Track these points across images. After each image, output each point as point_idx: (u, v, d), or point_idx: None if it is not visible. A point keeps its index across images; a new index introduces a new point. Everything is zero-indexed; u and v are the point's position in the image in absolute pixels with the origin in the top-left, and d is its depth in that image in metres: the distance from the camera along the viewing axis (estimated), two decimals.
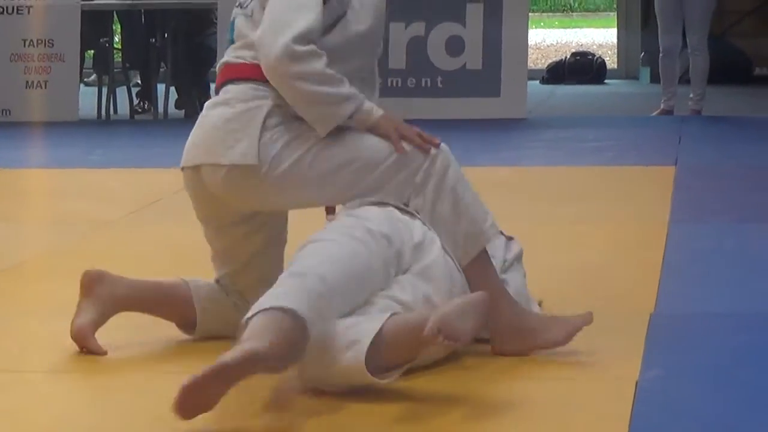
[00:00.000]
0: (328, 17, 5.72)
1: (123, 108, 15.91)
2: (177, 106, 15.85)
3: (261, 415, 5.49)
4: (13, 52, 15.09)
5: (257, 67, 5.86)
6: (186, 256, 8.34)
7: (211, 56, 15.51)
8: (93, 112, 15.52)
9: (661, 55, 15.10)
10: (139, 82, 16.34)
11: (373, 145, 5.89)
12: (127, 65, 16.47)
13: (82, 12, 15.29)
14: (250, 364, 4.86)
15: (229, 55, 6.13)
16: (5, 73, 15.05)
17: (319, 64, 5.65)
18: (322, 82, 5.69)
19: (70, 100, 15.18)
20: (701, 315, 6.81)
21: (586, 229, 8.38)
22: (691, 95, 14.55)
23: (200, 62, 15.86)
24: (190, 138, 6.10)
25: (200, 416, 5.00)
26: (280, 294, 5.18)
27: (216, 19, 15.25)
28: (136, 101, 16.11)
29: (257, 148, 5.79)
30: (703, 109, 14.46)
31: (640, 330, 6.24)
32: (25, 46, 15.12)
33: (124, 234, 9.19)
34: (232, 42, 6.14)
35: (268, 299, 5.15)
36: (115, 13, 16.02)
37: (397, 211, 5.80)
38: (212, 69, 15.50)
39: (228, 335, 5.73)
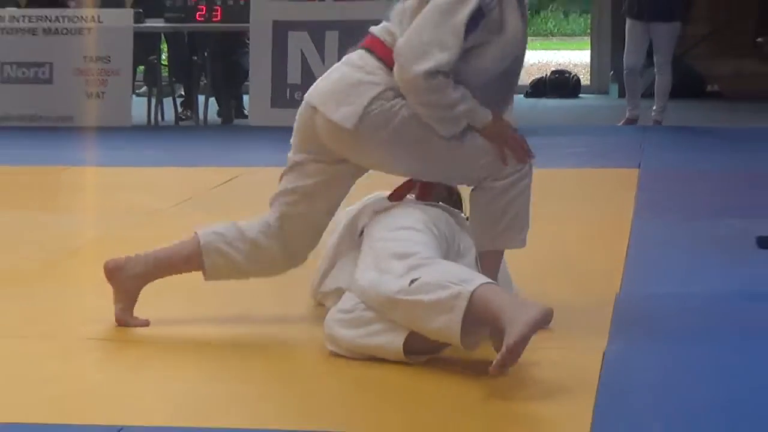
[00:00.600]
0: (471, 42, 5.69)
1: (169, 115, 15.94)
2: (218, 114, 15.85)
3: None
4: (76, 67, 15.10)
5: (391, 53, 5.83)
6: None
7: (244, 73, 15.54)
8: (143, 119, 15.55)
9: (625, 72, 15.16)
10: (183, 93, 16.34)
11: (476, 144, 5.85)
12: (173, 79, 16.48)
13: (135, 33, 15.31)
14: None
15: (380, 29, 6.05)
16: (69, 85, 15.10)
17: (440, 96, 5.67)
18: (439, 110, 5.72)
19: (124, 108, 15.23)
20: (660, 295, 6.85)
21: (561, 222, 8.38)
22: (654, 108, 14.60)
23: (234, 77, 15.88)
24: (321, 79, 6.14)
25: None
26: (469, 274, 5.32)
27: (248, 40, 15.25)
28: (180, 110, 16.16)
29: (359, 116, 5.79)
30: (664, 120, 14.48)
31: (608, 308, 6.27)
32: (85, 62, 15.14)
33: (170, 222, 9.20)
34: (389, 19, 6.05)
35: (476, 276, 5.28)
36: (162, 34, 15.99)
37: (455, 219, 5.97)
38: (245, 83, 15.55)
39: (235, 279, 6.23)
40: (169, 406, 5.10)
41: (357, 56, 6.02)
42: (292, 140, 6.16)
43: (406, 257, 5.35)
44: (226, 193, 10.54)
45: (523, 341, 4.89)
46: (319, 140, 6.01)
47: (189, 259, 6.22)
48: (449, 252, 5.68)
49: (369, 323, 5.43)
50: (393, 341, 5.33)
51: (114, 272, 6.17)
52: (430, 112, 5.72)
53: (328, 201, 6.15)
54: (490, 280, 5.26)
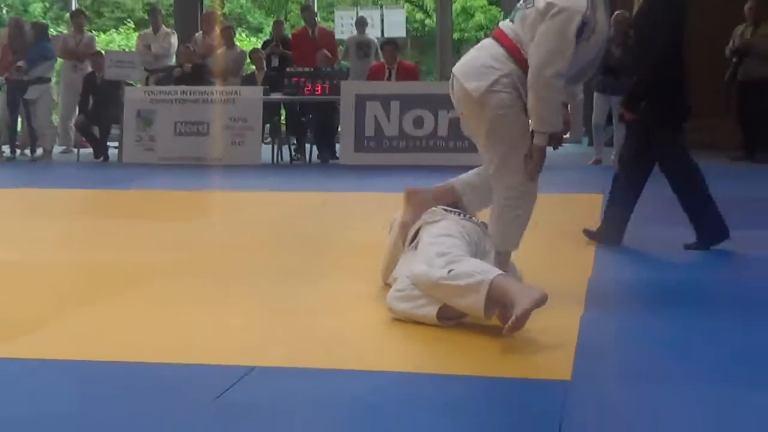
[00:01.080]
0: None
1: (286, 158, 15.92)
2: (318, 157, 15.85)
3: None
4: (224, 125, 15.15)
5: (514, 45, 5.88)
6: (318, 239, 8.40)
7: (336, 129, 15.55)
8: (269, 160, 15.56)
9: (593, 127, 15.14)
10: (295, 142, 16.34)
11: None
12: (288, 133, 16.47)
13: (263, 102, 15.35)
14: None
15: (506, 25, 6.04)
16: (220, 136, 15.11)
17: (556, 94, 5.81)
18: (550, 105, 5.83)
19: (256, 152, 15.26)
20: (627, 280, 6.83)
21: (544, 228, 8.32)
22: (613, 153, 14.50)
23: (330, 132, 15.87)
24: (465, 57, 6.15)
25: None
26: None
27: (339, 106, 15.23)
28: (293, 154, 16.15)
29: (483, 89, 5.85)
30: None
31: (582, 287, 6.28)
32: (231, 121, 15.19)
33: (285, 227, 9.22)
34: (512, 21, 6.02)
35: (493, 269, 5.41)
36: (281, 103, 16.01)
37: (481, 228, 6.04)
38: (337, 135, 15.55)
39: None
40: (290, 349, 5.12)
41: (488, 44, 6.06)
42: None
43: (444, 255, 5.47)
44: (324, 208, 10.57)
45: (526, 314, 5.00)
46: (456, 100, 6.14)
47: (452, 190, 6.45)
48: (477, 252, 5.78)
49: (416, 299, 5.57)
50: (430, 311, 5.45)
51: (410, 193, 6.45)
52: (542, 105, 5.79)
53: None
54: (503, 272, 5.38)
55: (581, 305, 5.89)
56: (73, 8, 21.87)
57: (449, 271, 5.31)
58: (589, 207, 10.00)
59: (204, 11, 20.05)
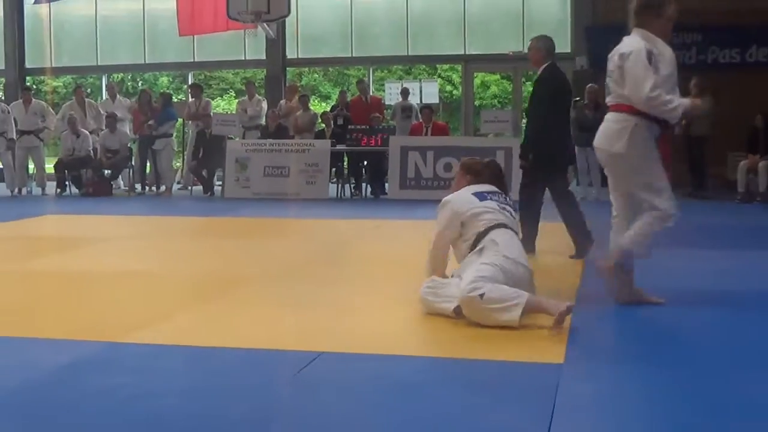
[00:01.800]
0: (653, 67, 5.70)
1: (347, 194, 15.91)
2: (371, 193, 15.83)
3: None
4: (300, 169, 15.14)
5: (626, 105, 5.79)
6: (373, 254, 8.37)
7: (386, 171, 15.50)
8: (334, 195, 15.56)
9: (578, 171, 15.08)
10: (354, 182, 16.32)
11: (656, 170, 5.89)
12: (350, 175, 16.45)
13: (331, 152, 15.35)
14: None
15: (611, 98, 5.99)
16: (297, 177, 15.10)
17: (662, 96, 5.65)
18: (665, 103, 5.66)
19: (324, 189, 15.17)
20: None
21: (542, 248, 8.26)
22: (595, 192, 14.46)
23: (381, 174, 15.83)
24: (600, 132, 5.99)
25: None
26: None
27: (388, 155, 15.22)
28: (352, 191, 16.13)
29: (625, 147, 5.75)
30: (600, 198, 14.31)
31: (573, 290, 6.22)
32: (305, 166, 15.15)
33: (346, 246, 9.20)
34: (607, 92, 6.04)
35: (521, 292, 5.25)
36: (344, 152, 15.99)
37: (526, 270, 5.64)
38: (386, 176, 15.52)
39: None
40: (349, 338, 5.12)
41: (611, 116, 5.93)
42: None
43: (483, 279, 5.27)
44: (376, 231, 10.55)
45: (563, 316, 5.09)
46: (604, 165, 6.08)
47: None
48: (509, 281, 5.38)
49: (440, 295, 5.55)
50: (448, 307, 5.43)
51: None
52: (661, 108, 5.68)
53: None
54: (529, 294, 5.29)
55: (573, 301, 5.85)
56: (190, 82, 22.08)
57: (481, 296, 5.16)
58: None
59: (287, 84, 20.13)
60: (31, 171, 17.34)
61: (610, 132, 5.88)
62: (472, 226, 5.77)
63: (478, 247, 5.64)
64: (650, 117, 5.77)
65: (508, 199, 6.05)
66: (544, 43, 8.40)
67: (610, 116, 5.95)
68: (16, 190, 16.45)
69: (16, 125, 16.46)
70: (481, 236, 5.68)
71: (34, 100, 17.02)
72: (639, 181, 5.87)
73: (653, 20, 5.95)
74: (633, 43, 5.85)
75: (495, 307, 5.15)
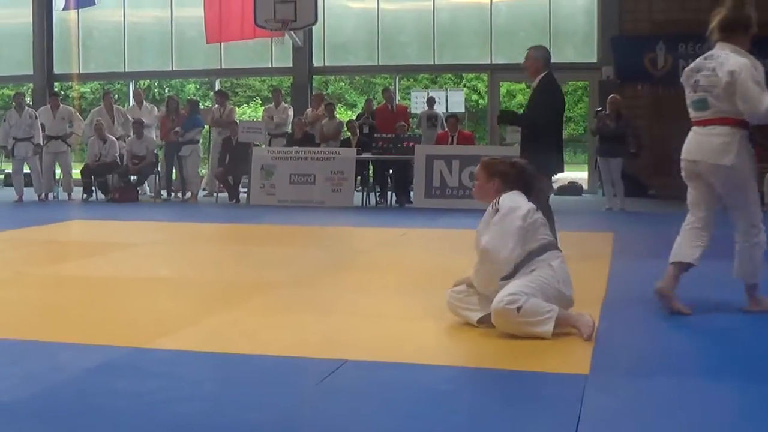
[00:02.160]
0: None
1: (372, 202, 15.90)
2: (396, 201, 15.81)
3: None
4: (326, 177, 15.17)
5: (732, 118, 5.76)
6: (397, 262, 8.36)
7: (411, 180, 15.51)
8: (359, 203, 15.57)
9: (603, 182, 15.01)
10: (379, 190, 16.31)
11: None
12: (375, 183, 16.44)
13: (356, 160, 15.38)
14: None
15: (709, 114, 5.88)
16: (323, 185, 15.20)
17: None
18: None
19: (349, 197, 15.19)
20: (637, 294, 6.69)
21: (571, 256, 8.22)
22: (619, 202, 14.39)
23: (406, 183, 15.81)
24: (698, 145, 5.91)
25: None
26: None
27: (413, 164, 15.21)
28: (377, 199, 16.11)
29: (735, 159, 5.73)
30: (625, 208, 14.27)
31: (599, 300, 6.19)
32: (331, 174, 15.19)
33: (371, 254, 9.20)
34: (700, 107, 5.93)
35: (553, 306, 5.21)
36: (369, 160, 16.00)
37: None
38: (411, 185, 15.50)
39: None
40: (375, 346, 5.11)
41: (713, 129, 5.85)
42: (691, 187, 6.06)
43: (524, 295, 5.17)
44: (402, 240, 10.54)
45: (590, 331, 5.14)
46: (702, 179, 5.93)
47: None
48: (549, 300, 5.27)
49: (467, 303, 5.54)
50: (474, 316, 5.46)
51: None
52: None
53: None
54: (559, 308, 5.22)
55: (598, 312, 5.83)
56: (216, 89, 22.17)
57: (518, 309, 5.08)
58: (602, 241, 9.93)
59: (313, 92, 20.18)
60: (57, 176, 17.45)
61: (716, 145, 5.83)
62: (527, 241, 5.37)
63: (529, 268, 5.34)
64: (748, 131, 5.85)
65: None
66: (542, 54, 8.50)
67: (710, 130, 5.88)
68: (43, 194, 16.57)
69: (43, 130, 16.58)
70: (533, 255, 5.37)
71: (62, 105, 17.13)
72: (741, 194, 5.89)
73: (741, 35, 5.94)
74: (737, 59, 5.79)
75: (530, 320, 5.10)
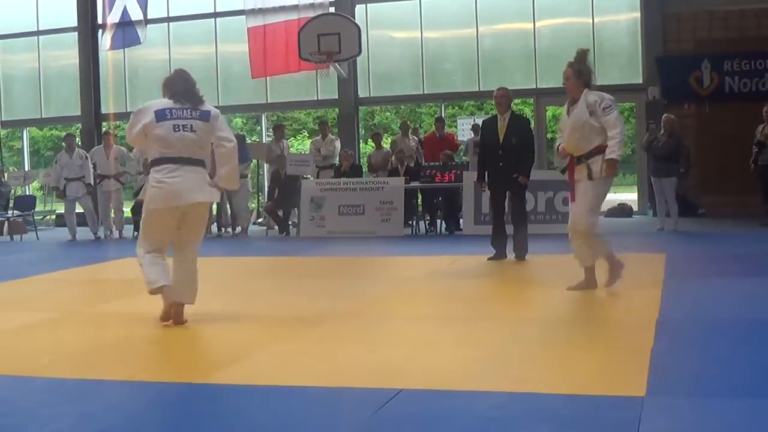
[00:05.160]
0: None
1: (422, 230, 15.89)
2: (445, 229, 15.79)
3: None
4: (376, 207, 15.22)
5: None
6: (448, 290, 8.34)
7: (460, 207, 15.50)
8: (409, 232, 15.58)
9: (656, 202, 14.85)
10: (428, 218, 16.32)
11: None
12: (424, 211, 16.45)
13: (405, 189, 15.41)
14: None
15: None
16: (372, 215, 15.27)
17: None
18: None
19: (399, 226, 15.22)
20: (692, 315, 6.63)
21: (623, 278, 8.15)
22: (672, 223, 14.25)
23: (455, 210, 15.81)
24: None
25: None
26: None
27: (461, 190, 15.20)
28: (427, 227, 16.13)
29: None
30: (677, 228, 14.13)
31: (652, 321, 6.12)
32: (380, 204, 15.25)
33: (422, 282, 9.19)
34: None
35: None
36: (418, 189, 16.02)
37: None
38: (461, 212, 15.49)
39: None
40: (428, 375, 5.10)
41: None
42: None
43: None
44: (452, 267, 10.51)
45: None
46: None
47: None
48: None
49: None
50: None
51: None
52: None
53: None
54: None
55: (651, 333, 5.78)
56: (263, 124, 22.42)
57: None
58: (654, 263, 9.84)
59: (359, 123, 20.31)
60: (111, 214, 17.62)
61: None
62: None
63: None
64: None
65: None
66: (509, 93, 10.83)
67: None
68: (100, 233, 16.77)
69: (95, 169, 16.81)
70: None
71: (115, 146, 17.37)
72: None
73: None
74: None
75: None
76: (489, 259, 10.69)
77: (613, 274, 7.88)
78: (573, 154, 7.88)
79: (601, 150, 7.69)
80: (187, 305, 6.87)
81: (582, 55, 7.94)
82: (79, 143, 19.57)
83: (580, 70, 7.88)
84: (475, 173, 15.93)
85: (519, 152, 10.58)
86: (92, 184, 16.66)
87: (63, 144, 17.48)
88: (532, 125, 12.91)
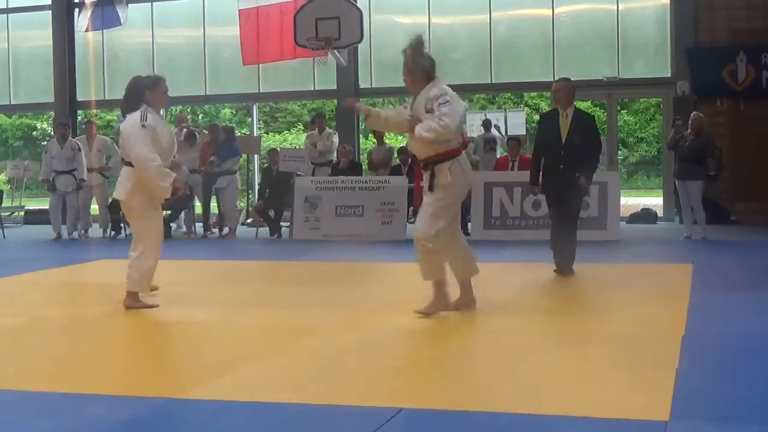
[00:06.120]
0: None
1: None
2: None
3: None
4: (376, 208, 15.20)
5: None
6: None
7: (468, 210, 15.49)
8: (411, 236, 15.54)
9: (682, 207, 14.83)
10: None
11: None
12: None
13: (408, 189, 15.40)
14: None
15: None
16: (372, 217, 15.20)
17: None
18: None
19: (401, 230, 15.16)
20: (719, 334, 6.62)
21: (644, 291, 8.15)
22: (700, 230, 14.23)
23: (463, 213, 15.73)
24: None
25: None
26: None
27: (470, 191, 15.22)
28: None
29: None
30: (706, 236, 14.11)
31: (677, 341, 6.13)
32: (381, 205, 15.23)
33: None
34: None
35: None
36: None
37: None
38: (469, 215, 15.49)
39: None
40: (432, 392, 5.09)
41: None
42: None
43: None
44: None
45: None
46: None
47: None
48: None
49: None
50: None
51: None
52: None
53: None
54: None
55: (677, 351, 5.78)
56: (254, 115, 22.36)
57: None
58: (681, 273, 9.83)
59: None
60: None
61: None
62: None
63: None
64: None
65: None
66: (571, 85, 10.23)
67: None
68: (76, 233, 16.74)
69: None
70: None
71: (99, 135, 17.31)
72: None
73: None
74: None
75: None
76: (555, 271, 10.14)
77: (434, 305, 7.60)
78: (417, 157, 7.79)
79: (448, 156, 7.47)
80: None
81: (417, 44, 7.77)
82: (51, 133, 19.49)
83: (415, 61, 7.70)
84: (485, 173, 16.08)
85: (583, 153, 10.04)
86: (84, 178, 16.48)
87: (53, 133, 17.28)
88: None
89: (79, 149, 16.49)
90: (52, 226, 16.67)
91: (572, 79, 10.65)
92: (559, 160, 10.06)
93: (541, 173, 10.32)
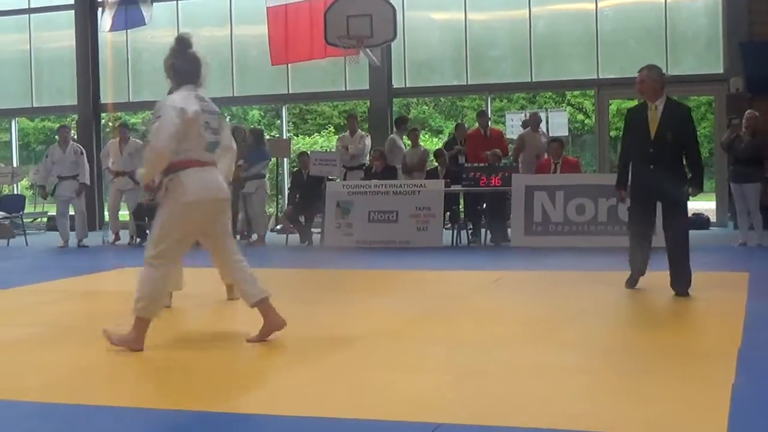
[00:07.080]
0: None
1: (463, 240, 15.89)
2: (491, 240, 15.77)
3: None
4: (411, 213, 15.20)
5: None
6: (492, 311, 8.30)
7: (507, 215, 15.48)
8: (449, 243, 15.56)
9: (737, 212, 14.73)
10: (471, 227, 16.28)
11: None
12: (467, 219, 16.41)
13: (445, 193, 15.38)
14: None
15: None
16: (407, 223, 15.19)
17: None
18: None
19: (438, 236, 15.22)
20: None
21: (697, 302, 8.08)
22: (756, 236, 14.12)
23: (502, 218, 15.78)
24: None
25: None
26: None
27: (509, 196, 15.18)
28: (469, 237, 16.10)
29: None
30: (763, 243, 14.00)
31: (732, 355, 6.07)
32: (416, 210, 15.23)
33: (463, 301, 9.15)
34: None
35: None
36: (460, 193, 16.01)
37: None
38: (509, 221, 15.46)
39: None
40: (471, 408, 5.06)
41: None
42: None
43: None
44: (498, 285, 10.48)
45: None
46: None
47: None
48: None
49: None
50: None
51: None
52: None
53: None
54: None
55: (733, 365, 5.71)
56: (284, 117, 22.41)
57: None
58: (736, 283, 9.74)
59: (394, 116, 20.26)
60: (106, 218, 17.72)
61: None
62: None
63: None
64: None
65: None
66: (660, 73, 9.29)
67: None
68: (108, 236, 16.91)
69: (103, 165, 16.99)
70: None
71: (131, 138, 17.48)
72: None
73: None
74: None
75: None
76: (627, 285, 9.53)
77: (262, 332, 7.11)
78: None
79: (172, 168, 6.78)
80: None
81: (181, 44, 7.45)
82: (75, 137, 19.65)
83: (165, 60, 7.36)
84: (525, 176, 16.03)
85: (676, 153, 9.27)
86: (87, 183, 16.68)
87: (56, 137, 17.56)
88: (592, 122, 12.76)
89: (82, 153, 16.69)
90: (60, 234, 16.83)
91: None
92: (648, 160, 9.28)
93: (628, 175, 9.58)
